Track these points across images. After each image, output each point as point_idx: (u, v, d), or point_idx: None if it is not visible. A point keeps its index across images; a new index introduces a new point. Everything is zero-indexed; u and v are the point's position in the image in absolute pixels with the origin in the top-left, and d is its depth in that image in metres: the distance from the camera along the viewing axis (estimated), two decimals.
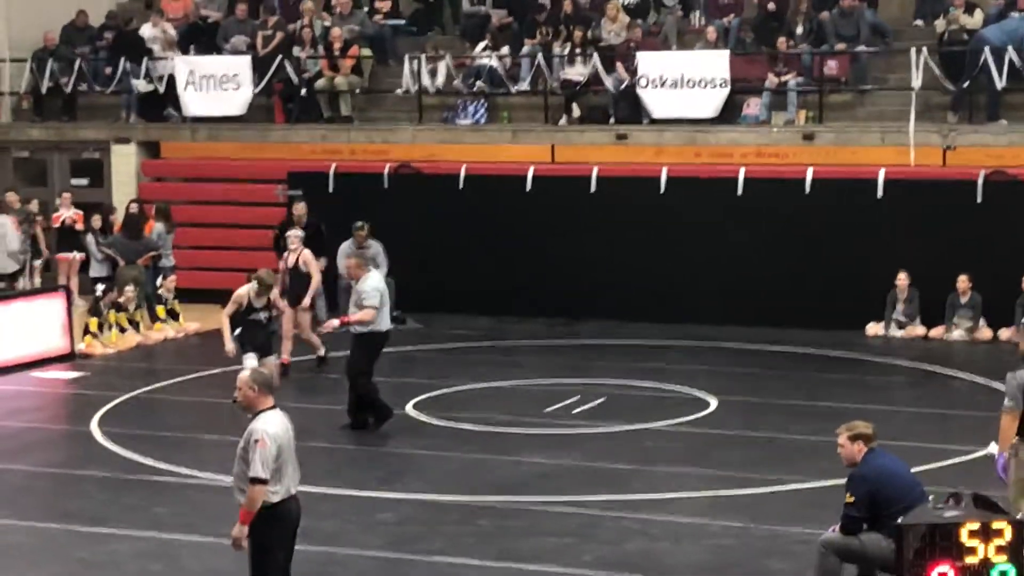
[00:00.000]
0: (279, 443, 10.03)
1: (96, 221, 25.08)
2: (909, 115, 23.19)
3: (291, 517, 10.22)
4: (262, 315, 17.51)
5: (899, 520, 10.01)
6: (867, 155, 23.65)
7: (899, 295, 22.50)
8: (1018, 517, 10.60)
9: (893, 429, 15.09)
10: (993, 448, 12.10)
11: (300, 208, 23.56)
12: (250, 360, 16.71)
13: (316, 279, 20.89)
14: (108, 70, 28.22)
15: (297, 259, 20.80)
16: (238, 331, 17.67)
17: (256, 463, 9.88)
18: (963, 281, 22.06)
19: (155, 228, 25.30)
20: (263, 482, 9.91)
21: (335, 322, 17.61)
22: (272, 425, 10.05)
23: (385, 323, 17.39)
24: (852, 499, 10.78)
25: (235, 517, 10.07)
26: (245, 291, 17.53)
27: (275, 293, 17.89)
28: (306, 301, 20.14)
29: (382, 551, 13.08)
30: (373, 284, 17.18)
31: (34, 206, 25.97)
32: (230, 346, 17.49)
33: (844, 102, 25.02)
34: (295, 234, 21.20)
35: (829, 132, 24.25)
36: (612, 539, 13.31)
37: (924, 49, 23.65)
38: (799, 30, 25.42)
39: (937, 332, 22.32)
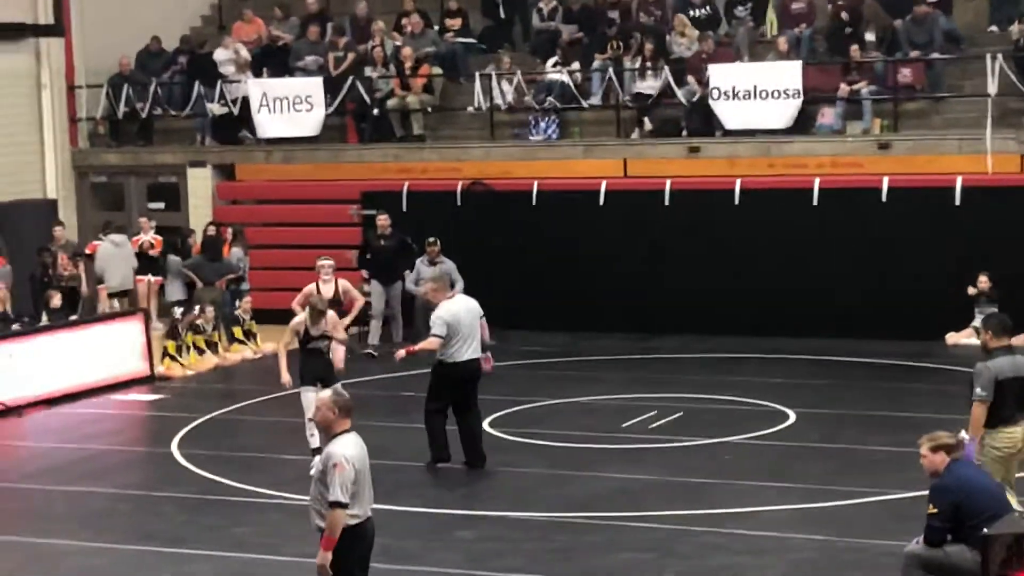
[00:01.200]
0: (357, 467, 10.02)
1: (179, 244, 25.58)
2: (985, 122, 22.98)
3: (368, 538, 10.23)
4: (322, 344, 16.48)
5: (984, 530, 9.90)
6: (944, 163, 23.45)
7: (980, 300, 22.24)
8: None
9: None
10: (964, 435, 12.22)
11: (383, 220, 23.68)
12: (308, 393, 16.01)
13: (358, 305, 19.73)
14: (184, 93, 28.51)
15: (336, 290, 19.53)
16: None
17: (336, 487, 9.87)
18: None
19: (234, 251, 25.49)
20: (343, 506, 9.90)
21: (401, 352, 16.64)
22: (349, 448, 10.05)
23: (460, 355, 16.13)
24: (935, 510, 10.66)
25: (315, 537, 10.08)
26: (301, 320, 16.61)
27: (332, 319, 16.81)
28: (340, 334, 17.11)
29: (461, 568, 13.06)
30: (440, 313, 16.12)
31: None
32: (286, 378, 16.59)
33: (919, 110, 24.82)
34: (328, 264, 19.78)
35: (905, 141, 24.06)
36: (692, 554, 13.23)
37: (999, 55, 23.44)
38: (871, 38, 25.23)
39: (1020, 340, 21.96)
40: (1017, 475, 12.32)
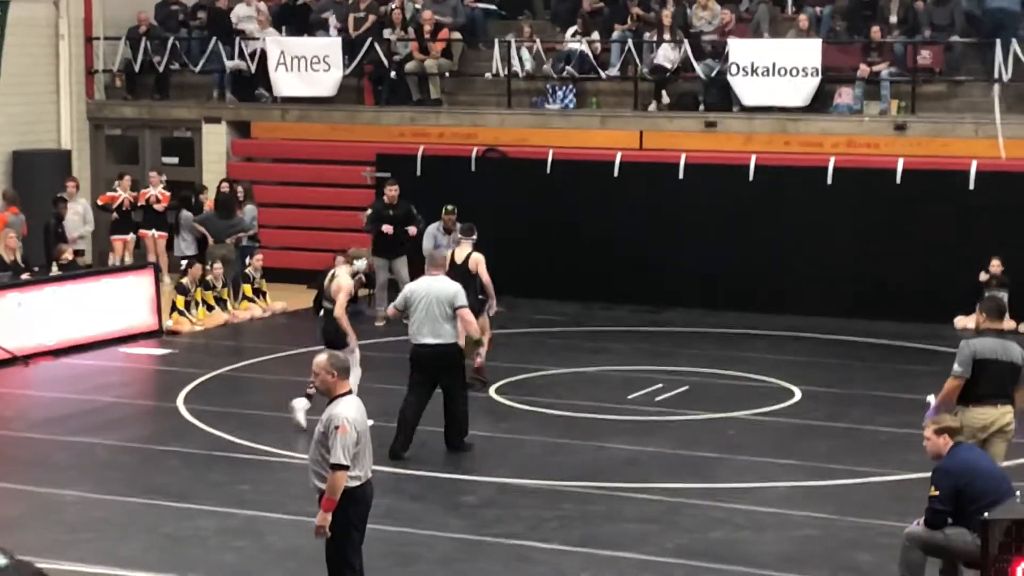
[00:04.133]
0: (358, 429, 10.06)
1: (192, 200, 25.66)
2: (1001, 107, 22.97)
3: (368, 500, 10.28)
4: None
5: (985, 515, 9.89)
6: (959, 146, 23.41)
7: (991, 284, 22.21)
8: None
9: None
10: (931, 399, 12.54)
11: (393, 191, 23.30)
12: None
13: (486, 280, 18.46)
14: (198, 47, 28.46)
15: (467, 257, 18.50)
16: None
17: (338, 449, 9.90)
18: None
19: (247, 209, 25.50)
20: (345, 468, 9.94)
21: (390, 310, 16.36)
22: (351, 411, 10.08)
23: (414, 336, 15.51)
24: (937, 492, 10.67)
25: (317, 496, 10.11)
26: (350, 283, 16.50)
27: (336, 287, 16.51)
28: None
29: (464, 533, 13.09)
30: (408, 284, 15.98)
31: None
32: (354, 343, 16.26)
33: (937, 93, 24.76)
34: (468, 229, 19.09)
35: (921, 123, 24.01)
36: (695, 527, 13.26)
37: (1013, 40, 23.36)
38: (892, 19, 25.17)
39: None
40: (1006, 463, 12.30)
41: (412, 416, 15.47)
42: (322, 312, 16.81)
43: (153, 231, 26.12)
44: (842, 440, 16.35)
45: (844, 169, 23.46)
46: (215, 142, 27.85)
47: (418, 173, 25.35)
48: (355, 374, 15.88)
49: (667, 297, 24.02)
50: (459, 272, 17.77)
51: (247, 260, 24.22)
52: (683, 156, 24.26)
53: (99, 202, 26.14)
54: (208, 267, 23.36)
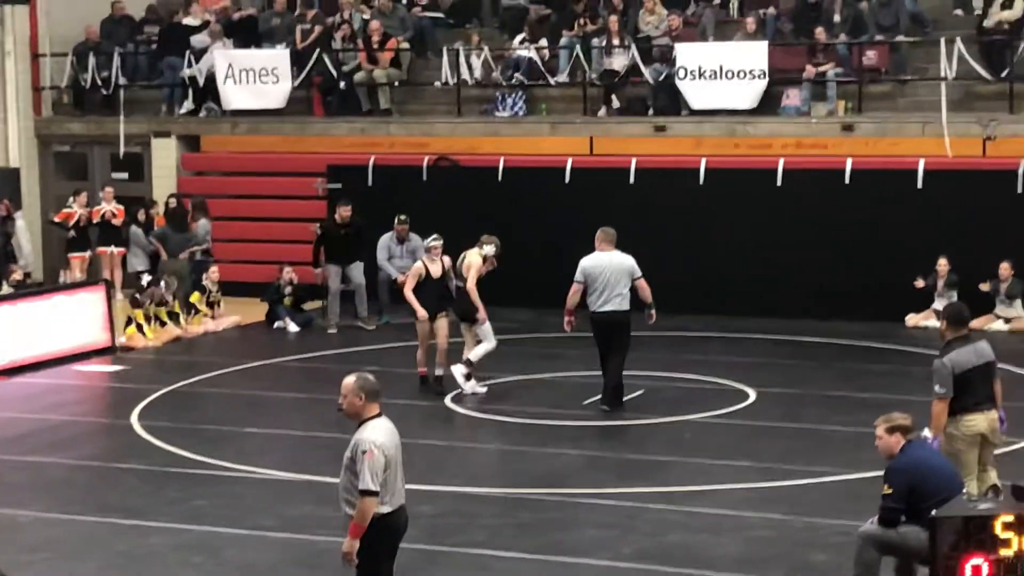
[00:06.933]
0: (387, 454, 9.71)
1: (141, 215, 25.44)
2: (948, 105, 23.13)
3: (400, 528, 9.97)
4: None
5: (933, 512, 9.96)
6: (907, 146, 23.56)
7: (939, 281, 22.38)
8: None
9: None
10: (927, 433, 12.06)
11: (346, 211, 23.32)
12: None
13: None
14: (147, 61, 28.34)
15: (443, 268, 19.49)
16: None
17: (365, 475, 9.56)
18: (1005, 269, 21.97)
19: (201, 223, 25.40)
20: (374, 494, 9.60)
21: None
22: (379, 434, 9.76)
23: (594, 304, 17.79)
24: (890, 491, 10.73)
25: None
26: (479, 261, 19.05)
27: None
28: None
29: (420, 543, 13.03)
30: (582, 260, 17.97)
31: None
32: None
33: (883, 92, 24.91)
34: (438, 244, 19.55)
35: (869, 123, 24.15)
36: (652, 531, 13.29)
37: (958, 39, 23.55)
38: (837, 19, 25.31)
39: (979, 323, 22.12)
40: (996, 451, 12.43)
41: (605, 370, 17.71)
42: (454, 291, 19.20)
43: (112, 248, 26.01)
44: (797, 440, 16.43)
45: (793, 170, 23.58)
46: (165, 156, 27.75)
47: (370, 183, 25.35)
48: (488, 345, 18.65)
49: None
50: (444, 282, 19.46)
51: (204, 275, 24.07)
52: (633, 160, 24.34)
53: (55, 219, 26.05)
54: (164, 284, 23.16)
